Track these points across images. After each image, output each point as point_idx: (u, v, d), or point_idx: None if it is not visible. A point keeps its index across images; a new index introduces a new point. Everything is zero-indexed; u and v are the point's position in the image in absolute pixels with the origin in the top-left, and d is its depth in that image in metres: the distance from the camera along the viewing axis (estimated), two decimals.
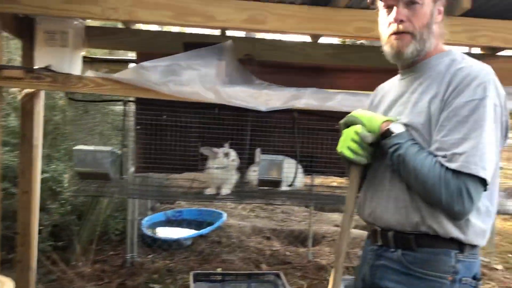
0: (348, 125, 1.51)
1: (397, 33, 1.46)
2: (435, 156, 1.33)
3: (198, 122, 3.19)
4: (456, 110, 1.33)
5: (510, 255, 5.62)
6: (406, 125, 1.43)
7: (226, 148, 3.18)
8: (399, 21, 1.44)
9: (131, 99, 3.28)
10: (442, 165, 1.30)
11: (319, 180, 4.37)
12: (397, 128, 1.41)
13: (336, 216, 6.59)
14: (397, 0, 1.45)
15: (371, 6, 1.67)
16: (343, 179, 4.20)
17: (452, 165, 1.28)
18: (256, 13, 2.83)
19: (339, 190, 3.76)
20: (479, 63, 1.43)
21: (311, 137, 3.46)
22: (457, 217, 1.34)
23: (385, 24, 1.50)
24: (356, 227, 6.19)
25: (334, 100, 2.96)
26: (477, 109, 1.31)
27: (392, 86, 1.68)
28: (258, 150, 3.34)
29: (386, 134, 1.41)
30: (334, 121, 3.33)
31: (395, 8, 1.45)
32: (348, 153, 1.46)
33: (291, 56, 3.74)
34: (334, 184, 5.32)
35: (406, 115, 1.46)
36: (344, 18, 2.88)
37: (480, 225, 1.40)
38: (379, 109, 1.67)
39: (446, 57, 1.49)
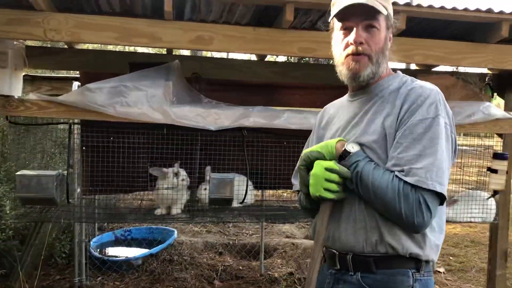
0: (308, 166, 1.48)
1: (355, 54, 1.46)
2: (392, 171, 1.36)
3: (147, 142, 3.16)
4: (411, 128, 1.36)
5: (451, 258, 5.90)
6: (360, 144, 1.45)
7: (176, 168, 3.16)
8: (358, 43, 1.44)
9: (76, 120, 3.21)
10: (400, 179, 1.33)
11: (270, 192, 4.45)
12: (352, 147, 1.42)
13: (287, 228, 6.69)
14: (357, 22, 1.45)
15: (323, 27, 1.70)
16: (292, 192, 4.27)
17: (410, 179, 1.31)
18: (203, 34, 2.86)
19: (291, 205, 3.83)
20: (429, 84, 1.48)
21: (260, 152, 3.51)
22: (417, 229, 1.36)
23: (342, 45, 1.49)
24: (306, 237, 6.31)
25: (281, 118, 3.03)
26: (431, 127, 1.35)
27: (340, 107, 1.68)
28: (208, 168, 3.35)
29: (343, 154, 1.42)
30: (281, 138, 3.48)
31: (354, 30, 1.45)
32: (327, 195, 1.41)
33: (238, 74, 3.80)
34: (285, 194, 5.43)
35: (360, 135, 1.47)
36: (288, 39, 2.96)
37: (435, 240, 1.45)
38: (328, 130, 1.67)
39: (396, 78, 1.54)
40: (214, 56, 3.59)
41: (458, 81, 3.35)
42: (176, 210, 3.17)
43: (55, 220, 3.13)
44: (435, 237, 1.45)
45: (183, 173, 3.15)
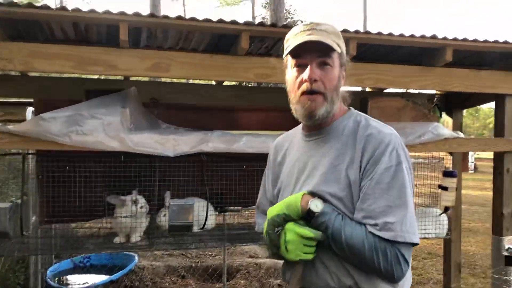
0: (276, 226, 1.43)
1: (309, 92, 1.43)
2: (364, 224, 1.33)
3: (104, 170, 3.11)
4: (378, 177, 1.34)
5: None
6: (326, 195, 1.41)
7: (134, 195, 3.13)
8: (312, 80, 1.41)
9: (31, 151, 3.13)
10: (374, 234, 1.32)
11: (231, 215, 4.44)
12: (317, 206, 1.38)
13: (250, 247, 6.68)
14: (311, 59, 1.43)
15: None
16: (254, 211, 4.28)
17: (387, 235, 1.31)
18: (160, 61, 2.87)
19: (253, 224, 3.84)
20: (386, 128, 1.45)
21: (220, 175, 3.52)
22: (396, 281, 1.36)
23: (296, 82, 1.46)
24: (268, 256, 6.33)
25: (240, 142, 3.07)
26: (397, 175, 1.35)
27: (295, 144, 1.63)
28: (167, 193, 3.33)
29: (308, 215, 1.38)
30: (241, 161, 3.52)
31: (308, 67, 1.42)
32: (308, 257, 1.38)
33: (197, 98, 3.82)
34: (247, 212, 5.43)
35: (322, 183, 1.44)
36: (245, 65, 3.02)
37: (408, 278, 1.44)
38: (284, 167, 1.64)
39: (350, 118, 1.52)
40: (173, 81, 3.58)
41: (408, 103, 3.49)
42: (135, 238, 3.12)
43: (7, 255, 3.01)
44: (408, 272, 1.44)
45: (141, 200, 3.12)
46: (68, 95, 3.39)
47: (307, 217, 1.40)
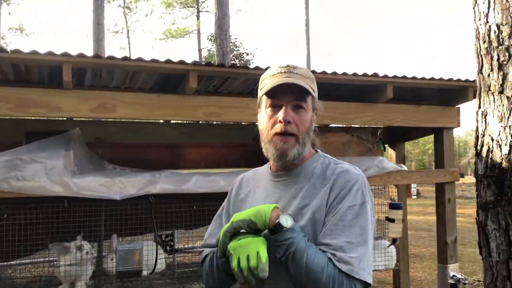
0: (236, 231, 1.39)
1: (283, 134, 1.45)
2: (325, 252, 1.35)
3: (46, 216, 2.96)
4: (341, 214, 1.37)
5: None
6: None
7: (79, 241, 2.99)
8: (287, 122, 1.43)
9: None
10: (335, 265, 1.32)
11: (181, 255, 4.34)
12: (287, 221, 1.37)
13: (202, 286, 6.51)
14: (286, 101, 1.45)
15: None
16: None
17: (344, 267, 1.32)
18: (105, 102, 2.81)
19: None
20: (353, 168, 1.48)
21: (170, 215, 3.44)
22: None
23: (270, 123, 1.48)
24: None
25: (190, 182, 3.02)
26: (360, 214, 1.38)
27: (262, 184, 1.63)
28: (114, 236, 3.21)
29: (277, 228, 1.36)
30: (191, 201, 3.46)
31: (283, 108, 1.44)
32: (265, 275, 1.33)
33: (143, 137, 3.76)
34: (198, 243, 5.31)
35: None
36: (193, 104, 3.01)
37: None
38: (247, 204, 1.61)
39: (318, 160, 1.55)
40: (119, 120, 3.49)
41: (353, 138, 3.60)
42: (80, 286, 2.97)
43: None
44: None
45: (86, 246, 2.99)
46: (7, 138, 3.24)
47: (272, 230, 1.37)
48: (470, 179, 33.84)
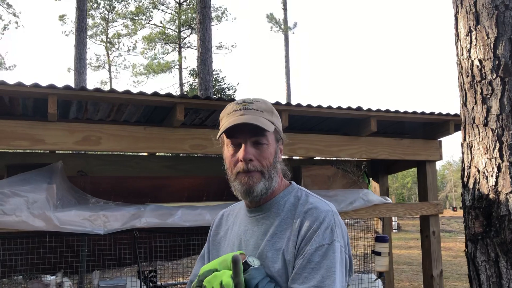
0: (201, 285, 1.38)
1: (246, 172, 1.42)
2: None
3: (26, 252, 2.86)
4: (309, 256, 1.36)
5: None
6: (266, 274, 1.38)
7: (59, 277, 2.88)
8: (248, 160, 1.41)
9: None
10: None
11: None
12: (253, 261, 1.37)
13: None
14: (245, 139, 1.42)
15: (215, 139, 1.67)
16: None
17: None
18: (90, 135, 2.78)
19: None
20: (323, 204, 1.48)
21: (154, 250, 3.37)
22: None
23: (232, 161, 1.45)
24: None
25: (175, 216, 2.96)
26: (327, 255, 1.36)
27: (239, 220, 1.62)
28: (96, 273, 3.11)
29: (244, 266, 1.35)
30: (176, 235, 3.39)
31: (243, 147, 1.42)
32: None
33: (127, 170, 3.71)
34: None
35: (261, 261, 1.42)
36: (180, 137, 3.00)
37: None
38: (226, 242, 1.60)
39: (291, 193, 1.53)
40: (102, 153, 3.45)
41: (339, 170, 3.62)
42: None
43: None
44: None
45: (67, 283, 2.88)
46: None
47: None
48: (449, 212, 34.16)
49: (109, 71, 33.10)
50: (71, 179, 3.23)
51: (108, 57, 32.48)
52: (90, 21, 28.12)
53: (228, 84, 26.51)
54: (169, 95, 2.82)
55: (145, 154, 3.84)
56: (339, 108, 3.30)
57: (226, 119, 1.47)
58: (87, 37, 16.93)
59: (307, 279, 1.34)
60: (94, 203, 3.14)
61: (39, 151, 3.52)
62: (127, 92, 2.74)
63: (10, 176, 2.74)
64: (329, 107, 3.27)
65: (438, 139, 3.91)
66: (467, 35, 2.21)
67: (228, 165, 1.49)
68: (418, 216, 3.95)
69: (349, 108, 3.33)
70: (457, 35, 2.28)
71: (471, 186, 2.18)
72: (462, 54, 2.25)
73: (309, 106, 3.21)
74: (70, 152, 3.64)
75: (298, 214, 1.44)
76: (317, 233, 1.38)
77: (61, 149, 2.85)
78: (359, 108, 3.36)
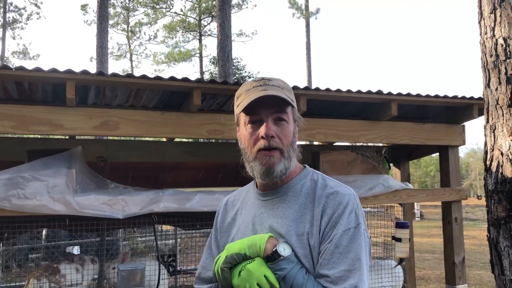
0: (232, 265, 1.37)
1: (267, 149, 1.38)
2: (323, 287, 1.31)
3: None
4: (336, 241, 1.34)
5: None
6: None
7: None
8: (270, 136, 1.37)
9: None
10: None
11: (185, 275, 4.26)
12: (284, 250, 1.33)
13: None
14: (267, 115, 1.38)
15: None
16: None
17: None
18: (108, 120, 2.79)
19: None
20: (344, 188, 1.43)
21: (172, 234, 3.39)
22: None
23: (252, 139, 1.41)
24: None
25: (193, 200, 2.97)
26: (355, 238, 1.34)
27: (248, 204, 1.57)
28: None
29: (273, 256, 1.33)
30: (194, 220, 3.41)
31: (265, 123, 1.38)
32: None
33: (146, 156, 3.72)
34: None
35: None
36: (197, 122, 2.99)
37: None
38: (235, 228, 1.56)
39: (306, 177, 1.48)
40: (121, 138, 3.48)
41: (358, 156, 3.56)
42: None
43: None
44: None
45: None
46: (8, 157, 3.21)
47: (268, 258, 1.33)
48: (474, 200, 33.64)
49: (131, 60, 33.36)
50: (91, 165, 3.27)
51: (130, 46, 32.72)
52: (111, 10, 28.32)
53: (249, 72, 26.44)
54: (185, 79, 2.80)
55: (164, 139, 3.85)
56: (359, 92, 3.23)
57: (246, 95, 1.42)
58: (109, 26, 17.06)
59: (337, 264, 1.32)
60: (113, 188, 3.18)
61: (59, 137, 3.57)
62: (144, 76, 2.74)
63: (31, 161, 2.78)
64: (349, 91, 3.21)
65: (462, 124, 3.81)
66: (491, 13, 2.12)
67: (247, 144, 1.44)
68: (441, 203, 3.87)
69: (369, 92, 3.26)
70: (481, 13, 2.19)
71: (494, 169, 2.11)
72: (486, 33, 2.16)
73: (327, 90, 3.15)
74: (90, 137, 3.67)
75: (319, 198, 1.40)
76: (342, 217, 1.35)
77: (79, 134, 2.87)
78: (379, 92, 3.29)
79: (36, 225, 2.81)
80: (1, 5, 28.73)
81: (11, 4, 29.93)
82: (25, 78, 2.58)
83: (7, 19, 29.09)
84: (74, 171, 2.78)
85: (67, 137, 3.58)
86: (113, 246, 3.46)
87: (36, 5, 29.67)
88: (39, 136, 3.41)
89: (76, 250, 3.02)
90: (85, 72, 2.60)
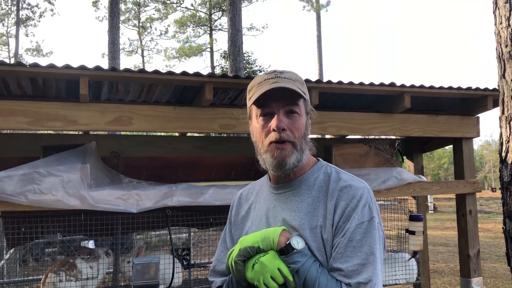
0: (246, 257, 1.36)
1: (278, 142, 1.37)
2: (338, 281, 1.31)
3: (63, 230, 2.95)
4: (349, 235, 1.33)
5: None
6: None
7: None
8: (281, 129, 1.36)
9: None
10: None
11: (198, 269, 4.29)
12: (298, 243, 1.33)
13: None
14: (278, 107, 1.38)
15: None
16: None
17: None
18: (121, 115, 2.81)
19: None
20: (357, 181, 1.42)
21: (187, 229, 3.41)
22: None
23: (263, 132, 1.40)
24: None
25: (206, 194, 2.99)
26: (368, 231, 1.33)
27: (262, 197, 1.57)
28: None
29: (286, 249, 1.33)
30: (207, 214, 3.43)
31: (276, 116, 1.37)
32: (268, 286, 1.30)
33: (159, 151, 3.75)
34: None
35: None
36: (209, 116, 3.00)
37: None
38: (249, 221, 1.56)
39: (320, 170, 1.48)
40: (134, 134, 3.51)
41: (371, 149, 3.55)
42: None
43: None
44: None
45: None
46: (23, 152, 3.26)
47: (282, 251, 1.33)
48: (488, 193, 33.30)
49: (142, 56, 33.50)
50: (105, 160, 3.30)
51: (141, 42, 32.84)
52: (122, 6, 28.44)
53: (260, 66, 26.39)
54: (197, 74, 2.81)
55: (177, 134, 3.87)
56: (371, 84, 3.21)
57: (257, 88, 1.42)
58: (120, 22, 17.13)
59: (350, 258, 1.32)
60: (127, 182, 3.20)
61: (73, 133, 3.61)
62: (156, 72, 2.75)
63: (46, 157, 2.82)
64: (361, 84, 3.19)
65: (476, 115, 3.76)
66: (506, 2, 2.09)
67: (259, 137, 1.44)
68: (455, 196, 3.84)
69: (381, 84, 3.24)
70: (495, 3, 2.16)
71: (509, 161, 2.09)
72: (501, 23, 2.13)
73: (340, 82, 3.13)
74: (104, 133, 3.70)
75: (332, 191, 1.40)
76: (355, 211, 1.35)
77: (93, 130, 2.90)
78: (392, 84, 3.26)
79: (52, 220, 2.85)
80: (14, 2, 29.01)
81: (24, 1, 30.22)
82: (39, 75, 2.61)
83: (20, 17, 29.38)
84: (88, 166, 2.81)
85: (81, 133, 3.61)
86: (128, 240, 3.49)
87: (49, 2, 29.89)
88: (53, 132, 3.44)
89: (91, 244, 3.05)
90: (98, 68, 2.62)
